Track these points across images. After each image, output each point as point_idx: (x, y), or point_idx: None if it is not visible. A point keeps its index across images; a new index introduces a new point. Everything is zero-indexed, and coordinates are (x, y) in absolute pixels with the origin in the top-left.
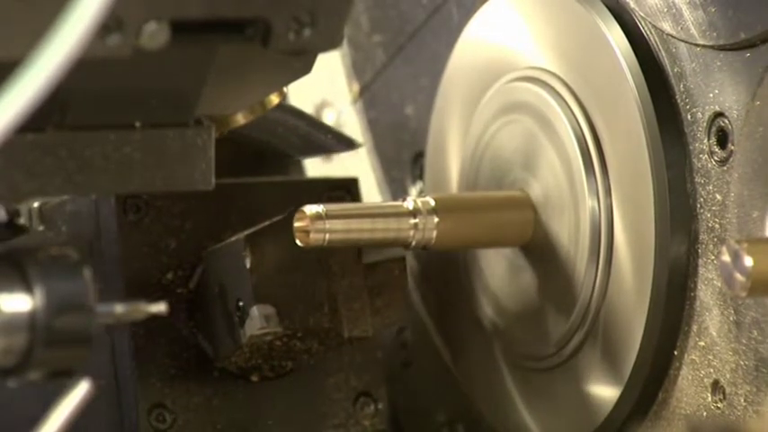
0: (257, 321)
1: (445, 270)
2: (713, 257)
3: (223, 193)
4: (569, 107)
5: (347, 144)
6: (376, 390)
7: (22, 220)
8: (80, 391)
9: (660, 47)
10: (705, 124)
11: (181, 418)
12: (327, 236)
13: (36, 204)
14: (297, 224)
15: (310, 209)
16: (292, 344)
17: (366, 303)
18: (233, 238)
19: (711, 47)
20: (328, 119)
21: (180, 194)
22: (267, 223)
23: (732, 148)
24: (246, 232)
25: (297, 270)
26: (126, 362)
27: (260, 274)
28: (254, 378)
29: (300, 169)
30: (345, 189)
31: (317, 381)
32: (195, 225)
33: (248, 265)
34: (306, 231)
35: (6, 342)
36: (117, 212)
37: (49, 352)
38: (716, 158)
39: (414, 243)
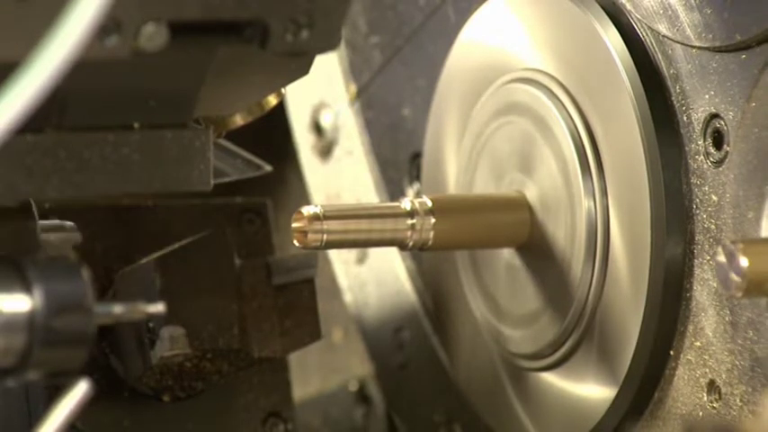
0: (167, 343)
1: (443, 271)
2: (709, 258)
3: (134, 215)
4: (566, 108)
5: (256, 168)
6: (286, 410)
7: None
8: (79, 391)
9: (656, 48)
10: (701, 126)
11: None
12: (325, 236)
13: None
14: (295, 225)
15: (308, 209)
16: (202, 365)
17: (275, 324)
18: (143, 261)
19: (707, 48)
20: (326, 120)
21: (90, 217)
22: (177, 245)
23: (728, 149)
24: (157, 254)
25: (207, 292)
26: (36, 382)
27: (170, 296)
28: (166, 398)
29: (299, 173)
30: (256, 212)
31: (226, 401)
32: (105, 247)
33: (158, 287)
34: (304, 232)
35: (5, 342)
36: None
37: (47, 352)
38: (711, 159)
39: (411, 244)
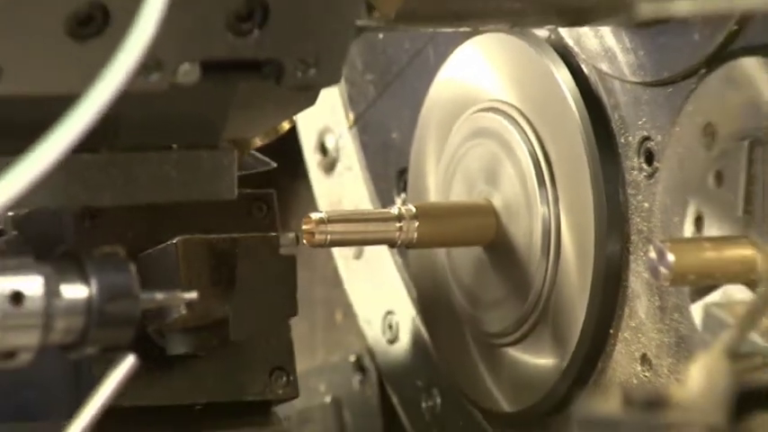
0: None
1: (425, 265)
2: (642, 254)
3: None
4: (525, 132)
5: (264, 164)
6: (288, 365)
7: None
8: (127, 363)
9: (599, 83)
10: (635, 146)
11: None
12: (329, 237)
13: (11, 214)
14: (304, 227)
15: (315, 215)
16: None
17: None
18: (165, 245)
19: (640, 83)
20: (329, 142)
21: (126, 208)
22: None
23: (657, 165)
24: (178, 238)
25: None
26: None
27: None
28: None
29: (308, 185)
30: (264, 201)
31: (238, 359)
32: (135, 234)
33: (180, 268)
34: (312, 233)
35: (67, 323)
36: (75, 220)
37: (101, 332)
38: (644, 173)
39: (399, 242)
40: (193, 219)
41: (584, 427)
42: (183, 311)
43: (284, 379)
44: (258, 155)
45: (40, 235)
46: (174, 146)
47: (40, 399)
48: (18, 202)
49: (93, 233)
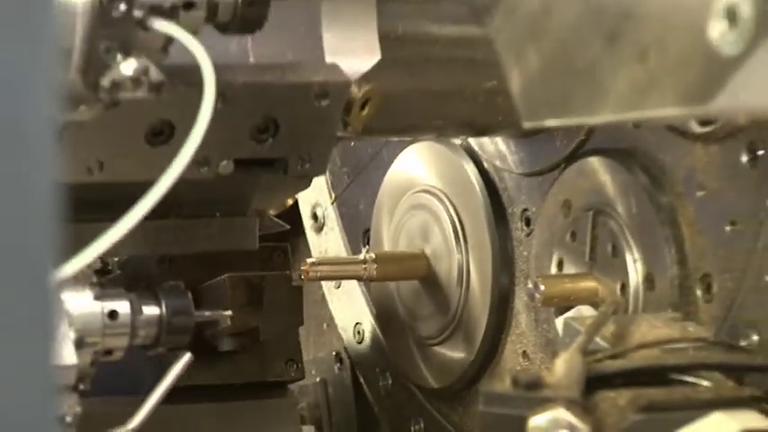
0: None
1: (382, 292)
2: (523, 285)
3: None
4: (446, 206)
5: (281, 226)
6: (297, 357)
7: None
8: (185, 359)
9: (494, 174)
10: (518, 215)
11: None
12: (318, 274)
13: (116, 259)
14: (302, 268)
15: (310, 260)
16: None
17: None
18: (217, 279)
19: (522, 174)
20: (319, 212)
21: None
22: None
23: (533, 227)
24: (225, 275)
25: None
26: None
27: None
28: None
29: (306, 240)
30: (281, 251)
31: (263, 354)
32: (192, 276)
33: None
34: (307, 272)
35: (146, 332)
36: (155, 263)
37: (168, 337)
38: (524, 233)
39: (364, 278)
40: (235, 262)
41: (486, 399)
42: (228, 323)
43: (295, 367)
44: (277, 220)
45: (134, 273)
46: (218, 214)
47: (130, 381)
48: (114, 251)
49: (167, 272)
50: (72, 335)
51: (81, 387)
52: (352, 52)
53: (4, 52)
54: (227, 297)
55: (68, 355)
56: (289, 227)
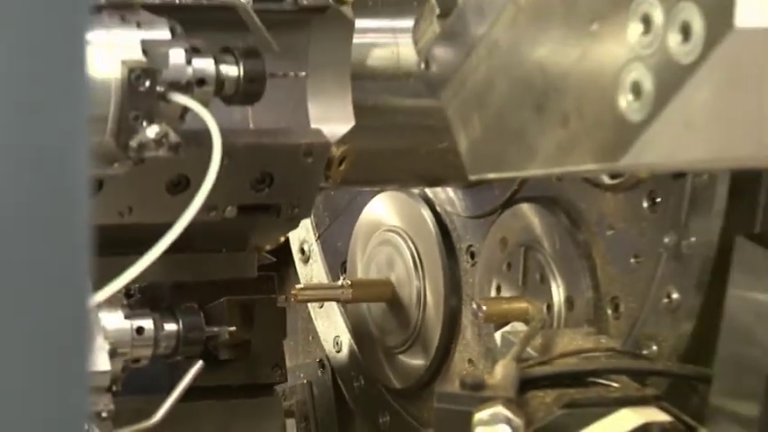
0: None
1: (356, 312)
2: (469, 306)
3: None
4: (407, 243)
5: (270, 259)
6: (282, 363)
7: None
8: (197, 366)
9: (446, 216)
10: (465, 250)
11: None
12: (305, 297)
13: (137, 285)
14: (292, 292)
15: (298, 286)
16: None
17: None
18: (218, 301)
19: (467, 217)
20: (306, 247)
21: (199, 282)
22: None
23: (476, 260)
24: (224, 298)
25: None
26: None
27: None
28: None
29: (295, 270)
30: (268, 280)
31: (254, 361)
32: (204, 294)
33: (226, 315)
34: (296, 295)
35: (167, 344)
36: (171, 288)
37: (185, 347)
38: (470, 264)
39: (342, 300)
40: (232, 287)
41: (439, 397)
42: (227, 336)
43: (280, 372)
44: (267, 255)
45: (152, 296)
46: (224, 250)
47: (153, 383)
48: (139, 279)
49: (181, 295)
50: (106, 346)
51: (114, 388)
52: (331, 120)
53: (51, 123)
54: (225, 316)
55: (103, 363)
56: (275, 260)
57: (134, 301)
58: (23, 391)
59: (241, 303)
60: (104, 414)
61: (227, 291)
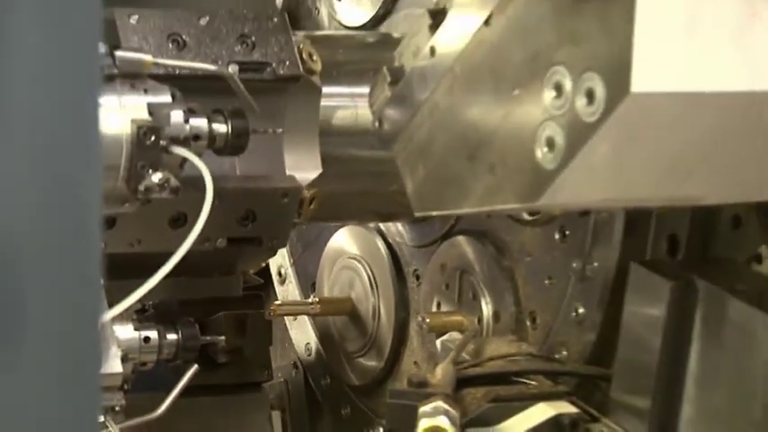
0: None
1: (323, 324)
2: (415, 319)
3: (213, 299)
4: (365, 268)
5: (257, 281)
6: (269, 365)
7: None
8: (192, 369)
9: (396, 246)
10: (411, 273)
11: None
12: (282, 312)
13: (149, 302)
14: (271, 308)
15: (275, 303)
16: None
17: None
18: (215, 316)
19: (413, 246)
20: (282, 270)
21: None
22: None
23: (421, 281)
24: (220, 314)
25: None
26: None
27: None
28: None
29: (274, 290)
30: (259, 297)
31: (245, 365)
32: (203, 310)
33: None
34: (274, 311)
35: (168, 350)
36: (177, 305)
37: (184, 353)
38: (416, 284)
39: (311, 314)
40: (230, 304)
41: (391, 394)
42: (223, 344)
43: (266, 372)
44: (255, 277)
45: (163, 311)
46: (215, 273)
47: (156, 383)
48: (146, 297)
49: (186, 310)
50: (119, 353)
51: (125, 387)
52: (303, 168)
53: (71, 174)
54: (223, 327)
55: (116, 366)
56: (262, 281)
57: (149, 314)
58: (54, 389)
59: (235, 317)
60: (117, 408)
61: (224, 306)
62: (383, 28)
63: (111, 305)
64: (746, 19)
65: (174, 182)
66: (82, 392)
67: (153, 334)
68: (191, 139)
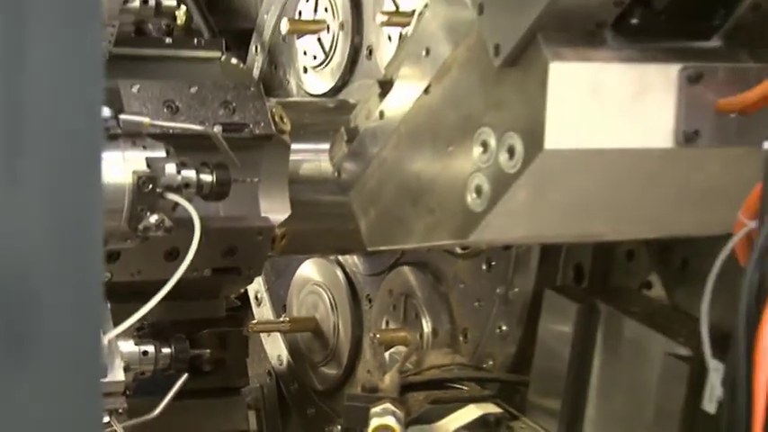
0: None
1: (293, 339)
2: (368, 335)
3: (201, 319)
4: (327, 293)
5: (235, 303)
6: (245, 373)
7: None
8: (183, 377)
9: (352, 274)
10: (365, 297)
11: None
12: (258, 330)
13: (146, 322)
14: (249, 325)
15: (253, 322)
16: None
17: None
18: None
19: (367, 275)
20: (259, 295)
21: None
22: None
23: (373, 303)
24: (206, 330)
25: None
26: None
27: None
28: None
29: (251, 311)
30: (238, 318)
31: (228, 370)
32: (194, 327)
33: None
34: (251, 328)
35: (163, 362)
36: (170, 325)
37: (176, 364)
38: (369, 307)
39: (283, 331)
40: (213, 322)
41: (348, 397)
42: (208, 356)
43: (244, 379)
44: (234, 300)
45: (159, 329)
46: (202, 297)
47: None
48: (145, 318)
49: (177, 328)
50: (122, 364)
51: (127, 393)
52: (275, 210)
53: (80, 215)
54: (208, 342)
55: (120, 375)
56: (240, 304)
57: (147, 332)
58: (67, 396)
59: (219, 333)
60: (120, 410)
61: (209, 325)
62: (341, 95)
63: (116, 324)
64: (641, 89)
65: (168, 222)
66: (88, 398)
67: (150, 348)
68: (182, 187)
